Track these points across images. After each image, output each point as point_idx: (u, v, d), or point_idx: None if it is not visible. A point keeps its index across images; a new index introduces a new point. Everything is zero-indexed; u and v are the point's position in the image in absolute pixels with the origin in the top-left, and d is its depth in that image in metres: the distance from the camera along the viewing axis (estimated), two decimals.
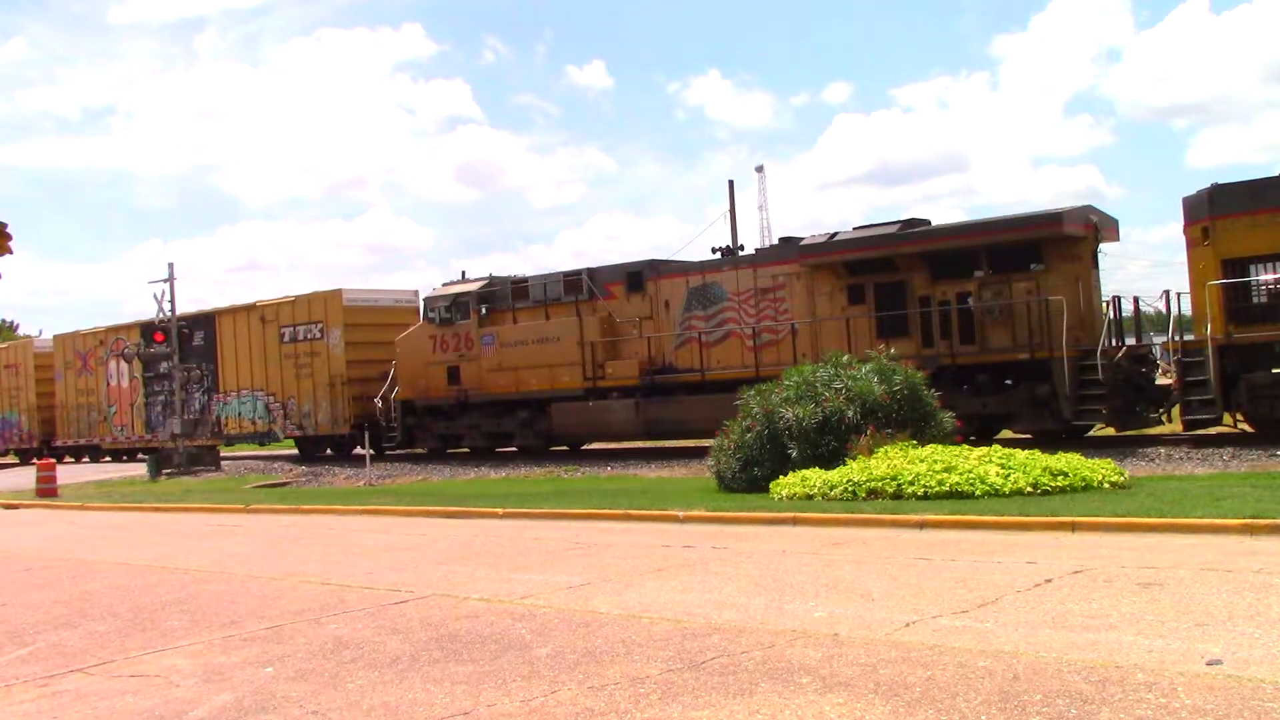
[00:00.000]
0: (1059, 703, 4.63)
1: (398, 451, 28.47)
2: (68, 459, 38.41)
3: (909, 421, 14.67)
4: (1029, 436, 18.87)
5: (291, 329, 30.24)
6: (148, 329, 33.44)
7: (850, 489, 12.65)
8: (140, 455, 34.80)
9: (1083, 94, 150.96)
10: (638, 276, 23.97)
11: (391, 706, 5.32)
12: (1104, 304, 19.52)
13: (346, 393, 28.82)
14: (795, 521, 11.45)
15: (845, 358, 15.97)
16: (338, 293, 29.36)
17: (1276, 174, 17.25)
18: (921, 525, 10.46)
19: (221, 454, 32.80)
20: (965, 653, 5.57)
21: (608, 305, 24.27)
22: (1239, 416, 17.60)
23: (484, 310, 26.07)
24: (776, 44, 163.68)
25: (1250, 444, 16.78)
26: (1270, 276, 17.23)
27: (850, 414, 14.42)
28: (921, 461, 12.79)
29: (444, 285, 27.47)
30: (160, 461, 29.79)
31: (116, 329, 37.07)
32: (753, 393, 15.92)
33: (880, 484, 12.50)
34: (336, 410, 29.04)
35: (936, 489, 12.07)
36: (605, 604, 7.60)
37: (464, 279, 27.23)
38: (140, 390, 35.73)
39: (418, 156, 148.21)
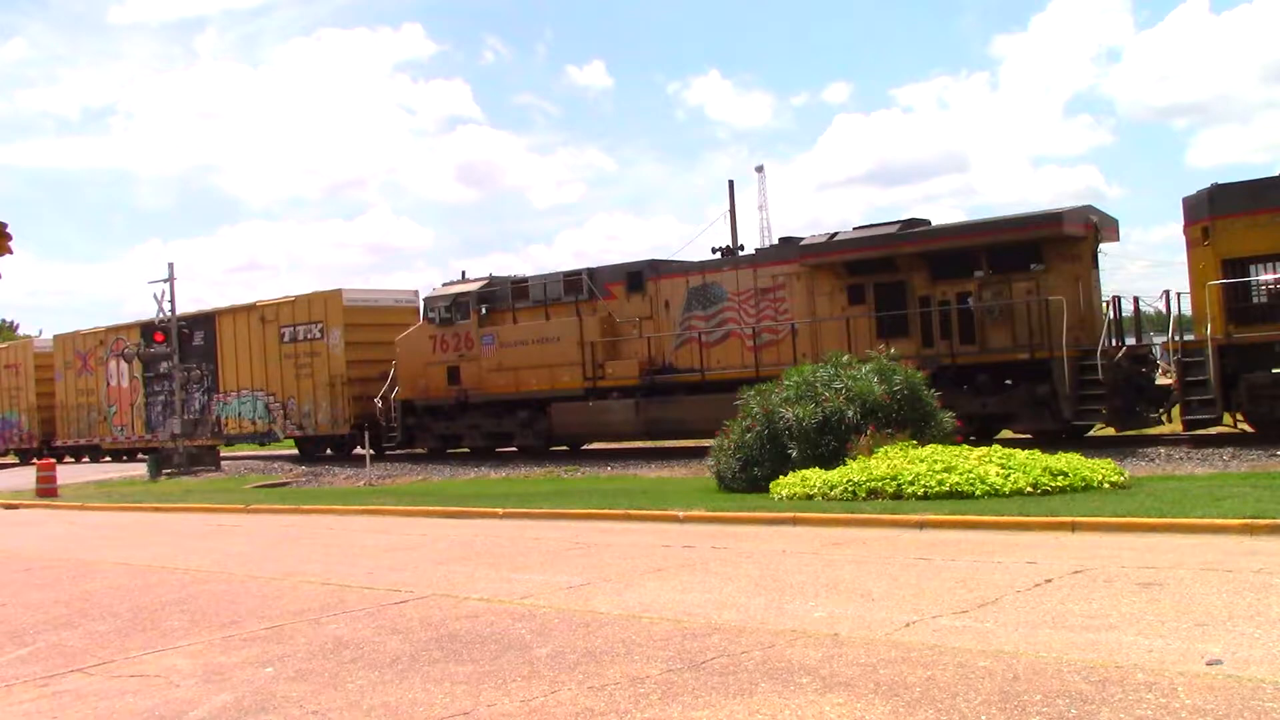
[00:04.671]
0: (1059, 703, 4.63)
1: (398, 451, 28.47)
2: (68, 459, 38.41)
3: (909, 421, 14.67)
4: (1029, 436, 18.87)
5: (291, 329, 30.25)
6: (148, 329, 33.45)
7: (850, 489, 12.65)
8: (140, 455, 34.80)
9: (1083, 94, 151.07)
10: (638, 276, 23.97)
11: (391, 706, 5.32)
12: (1104, 304, 19.52)
13: (346, 393, 28.84)
14: (795, 521, 11.45)
15: (845, 358, 15.97)
16: (338, 293, 29.37)
17: (1276, 174, 17.26)
18: (921, 525, 10.46)
19: (221, 454, 32.81)
20: (965, 653, 5.57)
21: (608, 305, 24.27)
22: (1239, 416, 17.60)
23: (484, 310, 26.08)
24: (776, 44, 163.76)
25: (1250, 444, 16.78)
26: (1270, 276, 17.24)
27: (850, 414, 14.42)
28: (921, 461, 12.79)
29: (444, 285, 27.49)
30: (160, 461, 29.79)
31: (116, 329, 37.08)
32: (753, 393, 15.92)
33: (880, 484, 12.50)
34: (336, 410, 29.04)
35: (936, 489, 12.07)
36: (605, 604, 7.60)
37: (464, 279, 27.24)
38: (140, 390, 35.74)
39: (418, 156, 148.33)
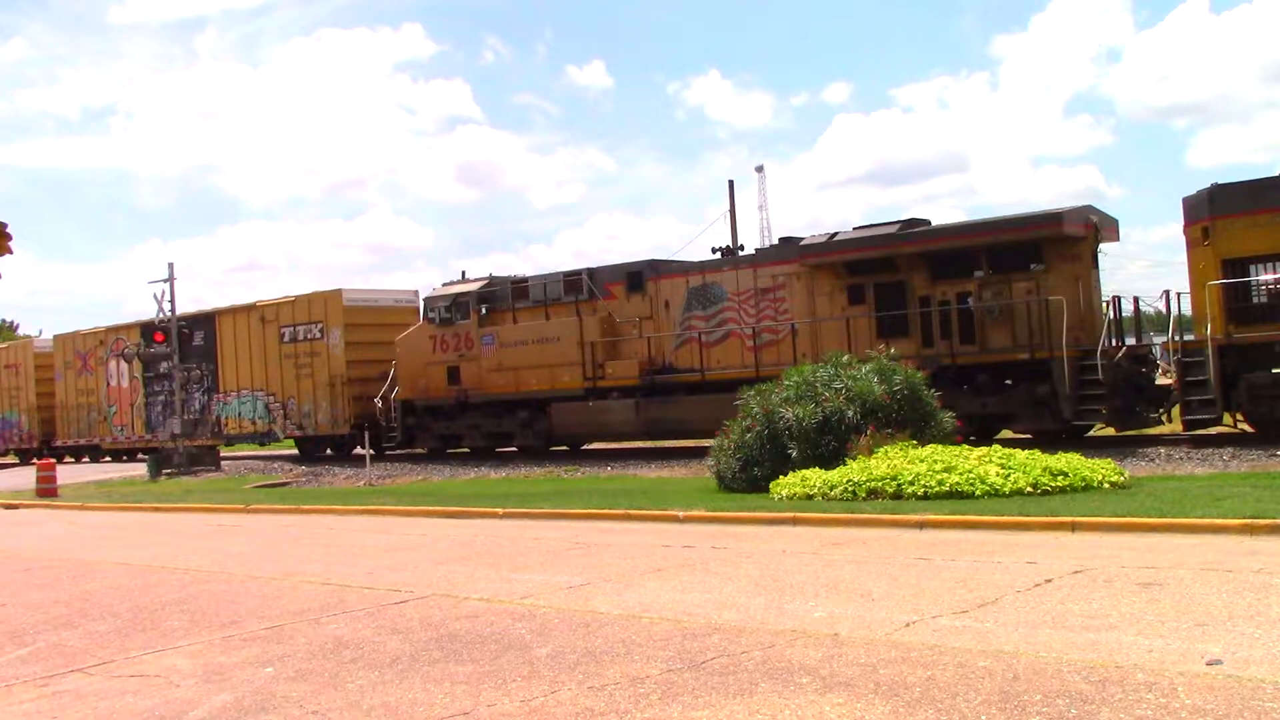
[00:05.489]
0: (1059, 703, 4.63)
1: (398, 451, 28.47)
2: (68, 459, 38.40)
3: (909, 421, 14.66)
4: (1029, 436, 18.87)
5: (291, 329, 30.25)
6: (148, 329, 33.45)
7: (850, 489, 12.65)
8: (140, 455, 34.80)
9: (1083, 94, 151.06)
10: (638, 276, 23.97)
11: (391, 706, 5.32)
12: (1104, 304, 19.52)
13: (346, 393, 28.83)
14: (795, 521, 11.45)
15: (845, 358, 15.97)
16: (338, 293, 29.37)
17: (1276, 174, 17.25)
18: (921, 525, 10.46)
19: (221, 454, 32.81)
20: (965, 653, 5.57)
21: (608, 305, 24.27)
22: (1239, 416, 17.59)
23: (484, 310, 26.08)
24: (776, 44, 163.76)
25: (1250, 444, 16.78)
26: (1270, 276, 17.23)
27: (850, 414, 14.42)
28: (921, 461, 12.79)
29: (444, 285, 27.48)
30: (160, 461, 29.79)
31: (116, 329, 37.07)
32: (753, 393, 15.92)
33: (880, 484, 12.50)
34: (336, 410, 29.04)
35: (936, 489, 12.07)
36: (605, 604, 7.60)
37: (464, 279, 27.24)
38: (140, 390, 35.73)
39: (418, 156, 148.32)
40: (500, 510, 14.37)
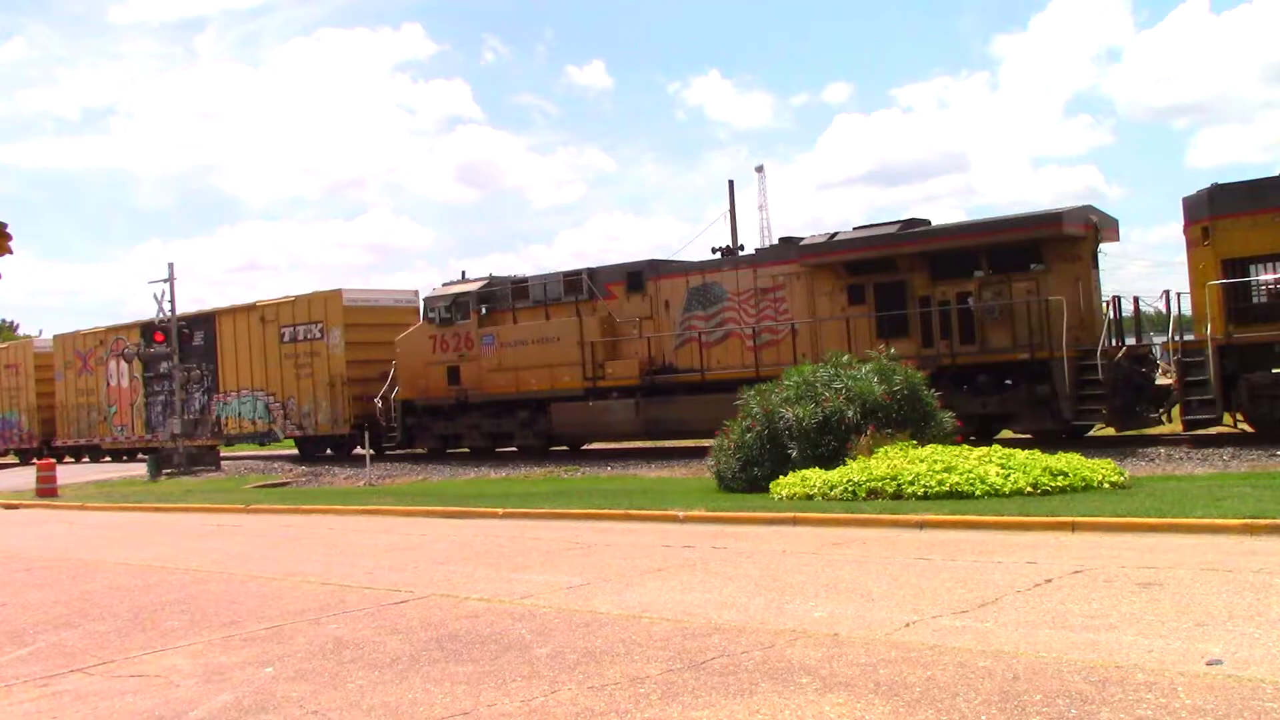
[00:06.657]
0: (1059, 703, 4.63)
1: (398, 451, 28.47)
2: (68, 459, 38.40)
3: (909, 421, 14.67)
4: (1029, 436, 18.87)
5: (291, 329, 30.25)
6: (148, 329, 33.45)
7: (850, 489, 12.65)
8: (140, 455, 34.80)
9: (1083, 94, 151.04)
10: (638, 276, 23.97)
11: (391, 706, 5.32)
12: (1104, 304, 19.52)
13: (346, 393, 28.84)
14: (795, 521, 11.45)
15: (845, 358, 15.97)
16: (338, 293, 29.37)
17: (1276, 174, 17.26)
18: (921, 525, 10.46)
19: (221, 454, 32.81)
20: (965, 653, 5.57)
21: (608, 305, 24.27)
22: (1239, 416, 17.59)
23: (484, 310, 26.08)
24: (776, 44, 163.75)
25: (1250, 444, 16.78)
26: (1270, 276, 17.23)
27: (850, 414, 14.43)
28: (921, 461, 12.79)
29: (444, 285, 27.48)
30: (160, 461, 29.79)
31: (116, 329, 37.08)
32: (753, 393, 15.92)
33: (880, 484, 12.50)
34: (336, 410, 29.04)
35: (936, 489, 12.07)
36: (605, 604, 7.60)
37: (464, 279, 27.24)
38: (140, 390, 35.74)
39: (418, 156, 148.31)
40: (500, 510, 14.38)
